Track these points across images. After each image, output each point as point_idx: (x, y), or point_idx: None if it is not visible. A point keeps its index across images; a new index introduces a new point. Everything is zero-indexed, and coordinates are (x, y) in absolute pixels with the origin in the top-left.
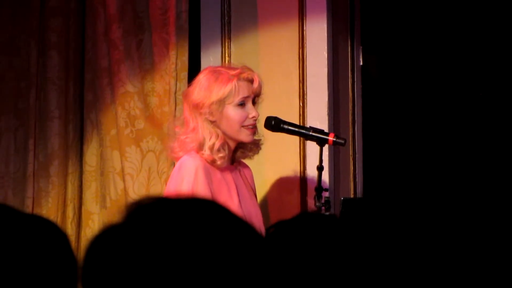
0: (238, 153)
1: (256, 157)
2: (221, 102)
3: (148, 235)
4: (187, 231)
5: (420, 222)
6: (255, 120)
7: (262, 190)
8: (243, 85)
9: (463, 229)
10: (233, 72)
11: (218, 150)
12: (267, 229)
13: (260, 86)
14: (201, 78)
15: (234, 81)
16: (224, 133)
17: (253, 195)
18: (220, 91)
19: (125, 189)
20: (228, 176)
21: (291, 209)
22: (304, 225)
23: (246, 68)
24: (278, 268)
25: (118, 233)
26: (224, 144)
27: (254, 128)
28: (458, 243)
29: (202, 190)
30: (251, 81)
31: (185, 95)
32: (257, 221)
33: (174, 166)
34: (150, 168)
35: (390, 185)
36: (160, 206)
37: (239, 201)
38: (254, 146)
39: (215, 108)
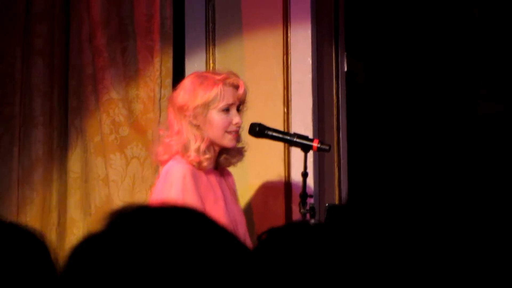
0: (221, 159)
1: (241, 163)
2: (206, 106)
3: (131, 245)
4: (171, 240)
5: (407, 228)
6: (239, 126)
7: (246, 196)
8: (228, 90)
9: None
10: (218, 77)
11: (204, 152)
12: (258, 236)
13: (245, 92)
14: (187, 82)
15: (220, 86)
16: (207, 137)
17: (236, 200)
18: (205, 95)
19: (109, 196)
20: (214, 180)
21: (276, 215)
22: (298, 232)
23: (232, 74)
24: (272, 276)
25: (99, 243)
26: (209, 146)
27: (237, 134)
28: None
29: (191, 197)
30: (236, 87)
31: (170, 99)
32: (242, 227)
33: (158, 172)
34: (134, 175)
35: (376, 191)
36: (143, 214)
37: (225, 206)
38: (237, 154)
39: (199, 112)
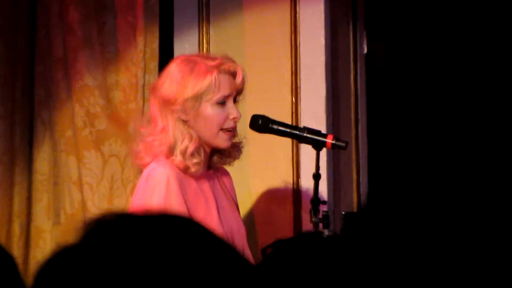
0: (214, 158)
1: (240, 163)
2: (197, 98)
3: (110, 259)
4: (157, 254)
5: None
6: (236, 122)
7: (247, 202)
8: (224, 79)
9: (481, 244)
10: (212, 63)
11: (192, 155)
12: (263, 249)
13: (243, 81)
14: (173, 69)
15: (214, 74)
16: (198, 135)
17: (235, 206)
18: (196, 85)
19: (83, 202)
20: (205, 185)
21: (282, 225)
22: (309, 246)
23: (227, 59)
24: None
25: (73, 256)
26: (199, 148)
27: (233, 132)
28: (476, 262)
29: (176, 204)
30: (233, 74)
31: (153, 89)
32: (240, 238)
33: (141, 174)
34: (113, 176)
35: (401, 195)
36: (125, 223)
37: (219, 215)
38: (233, 150)
39: (189, 106)
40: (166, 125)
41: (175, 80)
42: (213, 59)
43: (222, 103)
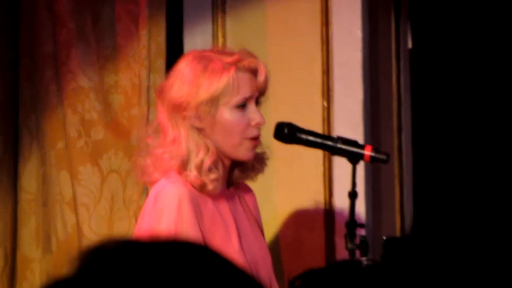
0: (235, 173)
1: (264, 180)
2: (213, 101)
3: None
4: None
5: (490, 271)
6: (259, 129)
7: (272, 225)
8: (244, 78)
9: None
10: (228, 59)
11: (209, 170)
12: (291, 281)
13: (266, 80)
14: (183, 68)
15: (232, 72)
16: (216, 146)
17: (258, 229)
18: (211, 85)
19: (78, 226)
20: (224, 206)
21: (312, 252)
22: (344, 276)
23: (247, 53)
24: None
25: None
26: (217, 161)
27: (257, 141)
28: None
29: (189, 230)
30: (254, 72)
31: (160, 92)
32: (265, 269)
33: (148, 192)
34: (113, 195)
35: (451, 217)
36: (128, 252)
37: (240, 242)
38: (256, 163)
39: (204, 111)
40: (178, 134)
41: (186, 81)
42: (230, 54)
43: (242, 106)
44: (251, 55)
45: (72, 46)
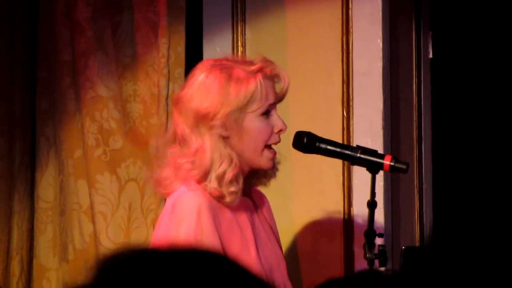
0: (252, 182)
1: (282, 189)
2: (242, 110)
3: None
4: None
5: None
6: (280, 136)
7: (290, 235)
8: (268, 85)
9: None
10: (251, 67)
11: (230, 182)
12: None
13: (288, 86)
14: (203, 78)
15: (259, 80)
16: (238, 155)
17: (273, 236)
18: (240, 93)
19: (95, 235)
20: (242, 215)
21: (331, 262)
22: (363, 287)
23: (267, 61)
24: None
25: None
26: (238, 174)
27: (275, 151)
28: None
29: (208, 239)
30: (275, 79)
31: (178, 102)
32: (279, 274)
33: (166, 201)
34: (131, 204)
35: (471, 227)
36: (146, 261)
37: (257, 249)
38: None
39: (232, 119)
40: (202, 144)
41: (213, 90)
42: (250, 63)
43: (266, 113)
44: (271, 62)
45: (90, 54)
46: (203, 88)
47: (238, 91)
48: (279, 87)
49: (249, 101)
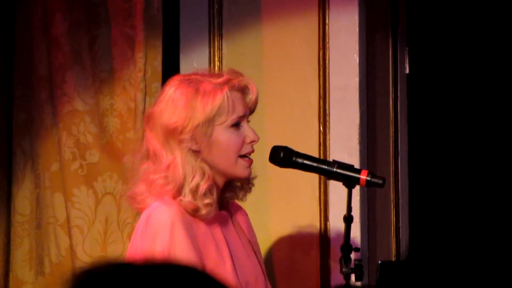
0: (227, 195)
1: (259, 203)
2: (209, 123)
3: None
4: None
5: None
6: (253, 146)
7: (267, 248)
8: (236, 97)
9: None
10: (219, 79)
11: (204, 195)
12: None
13: (257, 97)
14: (172, 92)
15: (225, 92)
16: (212, 167)
17: (251, 250)
18: (207, 107)
19: (71, 248)
20: (216, 228)
21: (307, 276)
22: None
23: (234, 73)
24: None
25: None
26: (212, 186)
27: (251, 160)
28: None
29: (182, 252)
30: (244, 90)
31: (149, 118)
32: (257, 287)
33: (141, 215)
34: (107, 218)
35: (446, 242)
36: (121, 275)
37: (232, 263)
38: (244, 182)
39: (201, 133)
40: (173, 159)
41: (180, 105)
42: (218, 75)
43: (236, 125)
44: (239, 74)
45: (67, 69)
46: (171, 103)
47: (205, 104)
48: (248, 98)
49: (216, 113)
